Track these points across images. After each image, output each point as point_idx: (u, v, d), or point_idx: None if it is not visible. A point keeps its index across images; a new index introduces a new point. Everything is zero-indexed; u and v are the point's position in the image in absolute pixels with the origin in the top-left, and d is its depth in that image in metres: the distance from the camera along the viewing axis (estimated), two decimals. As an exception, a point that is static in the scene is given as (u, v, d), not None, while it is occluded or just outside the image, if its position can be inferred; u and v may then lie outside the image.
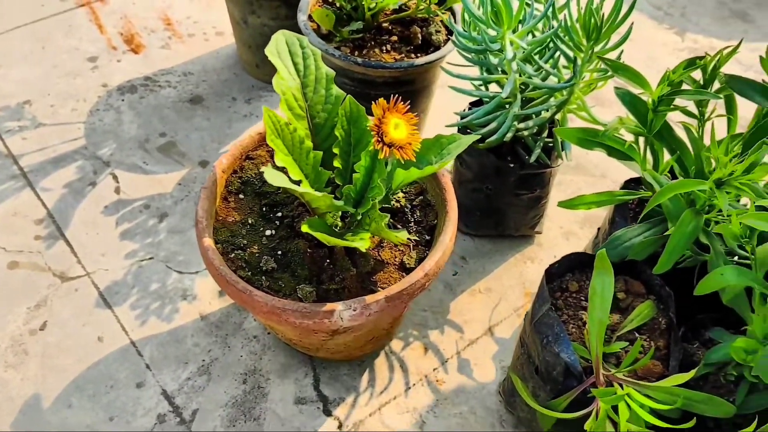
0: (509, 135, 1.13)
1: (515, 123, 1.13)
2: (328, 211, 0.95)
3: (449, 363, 1.15)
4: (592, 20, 1.01)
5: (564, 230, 1.34)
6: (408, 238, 0.98)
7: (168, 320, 1.17)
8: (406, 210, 1.03)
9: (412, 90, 1.31)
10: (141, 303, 1.19)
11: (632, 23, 1.04)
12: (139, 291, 1.21)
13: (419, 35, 1.30)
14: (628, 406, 0.87)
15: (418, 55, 1.29)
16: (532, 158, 1.16)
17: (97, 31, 1.68)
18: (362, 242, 0.88)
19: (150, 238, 1.28)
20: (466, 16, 1.09)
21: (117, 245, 1.27)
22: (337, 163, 0.95)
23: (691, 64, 0.91)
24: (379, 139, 0.85)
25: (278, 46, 0.98)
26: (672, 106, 0.95)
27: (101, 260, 1.25)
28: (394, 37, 1.31)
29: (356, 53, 1.27)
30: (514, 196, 1.22)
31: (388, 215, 0.91)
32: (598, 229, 1.20)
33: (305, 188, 0.89)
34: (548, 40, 1.06)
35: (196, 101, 1.53)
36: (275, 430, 1.06)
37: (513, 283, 1.26)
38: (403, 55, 1.28)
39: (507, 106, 1.14)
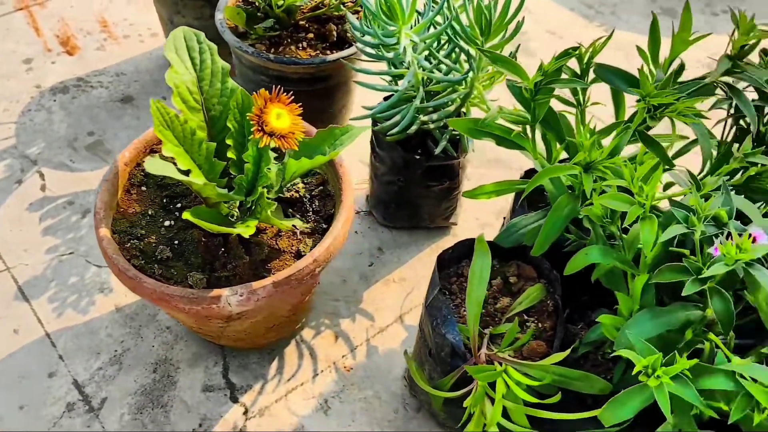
0: (414, 128, 1.16)
1: (419, 116, 1.16)
2: (220, 201, 0.98)
3: (358, 350, 1.18)
4: (483, 17, 1.05)
5: (480, 221, 1.37)
6: (294, 226, 1.01)
7: (84, 312, 1.20)
8: (305, 200, 1.06)
9: (329, 86, 1.34)
10: (58, 296, 1.22)
11: (523, 18, 1.07)
12: (57, 284, 1.23)
13: (335, 32, 1.33)
14: (506, 383, 0.91)
15: (334, 51, 1.32)
16: (438, 150, 1.19)
17: (34, 33, 1.70)
18: (246, 229, 0.91)
19: (72, 234, 1.30)
20: (367, 12, 1.12)
21: (39, 241, 1.29)
22: (231, 154, 0.98)
23: (565, 54, 0.94)
24: (260, 128, 0.88)
25: (176, 42, 1.01)
26: (555, 95, 0.99)
27: (23, 255, 1.27)
28: (311, 35, 1.34)
29: (273, 50, 1.31)
30: (424, 187, 1.26)
31: (276, 203, 0.94)
32: (504, 218, 1.23)
33: (193, 178, 0.92)
34: (442, 34, 1.10)
35: (127, 101, 1.55)
36: (181, 417, 1.08)
37: (427, 273, 1.28)
38: (318, 51, 1.31)
39: (413, 99, 1.18)
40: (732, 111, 0.97)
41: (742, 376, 0.71)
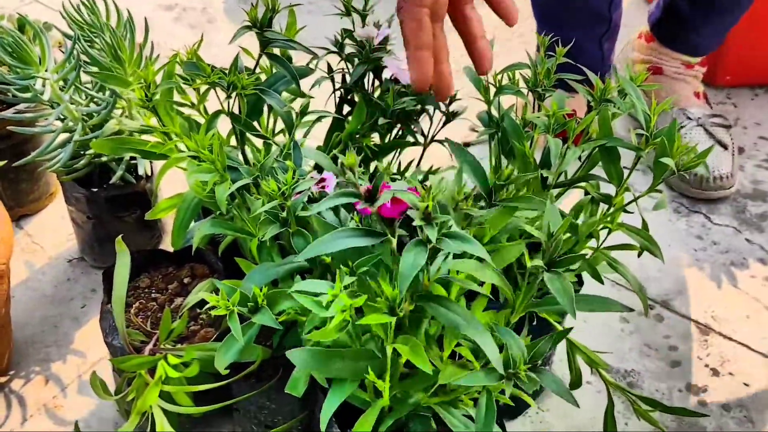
0: (82, 162, 1.22)
1: (83, 151, 1.21)
2: None
3: (69, 388, 1.19)
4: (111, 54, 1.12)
5: (193, 244, 1.43)
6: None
7: None
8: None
9: (16, 142, 1.36)
10: None
11: (152, 48, 1.15)
12: None
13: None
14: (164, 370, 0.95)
15: (12, 111, 1.35)
16: (113, 179, 1.24)
17: None
18: None
19: None
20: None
21: None
22: None
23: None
24: None
25: None
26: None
27: None
28: (-12, 100, 1.37)
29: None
30: (116, 220, 1.30)
31: None
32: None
33: None
34: (76, 71, 1.15)
35: None
36: None
37: (140, 301, 1.32)
38: (-9, 113, 1.35)
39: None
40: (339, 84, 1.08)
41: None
